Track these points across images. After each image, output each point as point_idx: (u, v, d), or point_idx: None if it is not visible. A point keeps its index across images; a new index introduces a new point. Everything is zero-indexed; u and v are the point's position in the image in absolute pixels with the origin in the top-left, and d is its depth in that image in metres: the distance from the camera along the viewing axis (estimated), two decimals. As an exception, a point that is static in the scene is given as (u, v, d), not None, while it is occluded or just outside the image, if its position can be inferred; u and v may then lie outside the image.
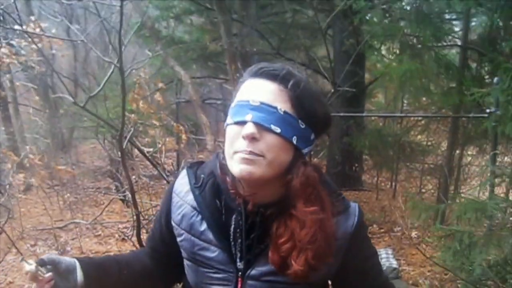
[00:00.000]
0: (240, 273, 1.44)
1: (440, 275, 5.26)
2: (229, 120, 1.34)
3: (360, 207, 1.48)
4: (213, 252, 1.46)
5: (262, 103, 1.27)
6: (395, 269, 5.40)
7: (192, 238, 1.50)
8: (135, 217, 4.36)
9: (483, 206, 3.46)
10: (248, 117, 1.26)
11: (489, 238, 3.59)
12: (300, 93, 1.29)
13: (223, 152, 1.40)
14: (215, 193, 1.47)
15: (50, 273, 1.42)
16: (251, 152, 1.25)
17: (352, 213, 1.45)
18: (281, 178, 1.33)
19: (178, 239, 1.56)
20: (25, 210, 7.95)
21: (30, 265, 1.37)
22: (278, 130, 1.26)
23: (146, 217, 5.67)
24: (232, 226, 1.43)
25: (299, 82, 1.31)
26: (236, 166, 1.29)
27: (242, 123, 1.27)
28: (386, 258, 5.70)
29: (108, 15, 6.35)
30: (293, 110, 1.29)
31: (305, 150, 1.35)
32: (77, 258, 1.52)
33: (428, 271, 5.48)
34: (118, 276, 1.60)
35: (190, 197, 1.51)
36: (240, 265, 1.44)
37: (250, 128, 1.25)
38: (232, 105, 1.35)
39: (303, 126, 1.31)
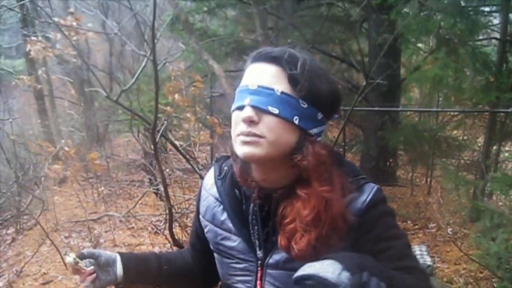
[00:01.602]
0: (259, 262, 1.44)
1: (475, 273, 5.18)
2: (232, 106, 1.36)
3: (380, 189, 1.43)
4: (234, 242, 1.49)
5: (259, 86, 1.28)
6: (429, 266, 5.29)
7: (215, 228, 1.53)
8: (167, 210, 4.36)
9: None
10: (246, 101, 1.28)
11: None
12: (299, 73, 1.29)
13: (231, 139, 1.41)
14: (235, 183, 1.48)
15: (92, 267, 1.50)
16: (250, 133, 1.27)
17: (367, 191, 1.40)
18: (289, 160, 1.33)
19: (205, 230, 1.60)
20: (59, 202, 8.03)
21: (69, 258, 1.45)
22: (276, 111, 1.26)
23: (179, 210, 5.69)
24: (250, 214, 1.44)
25: (297, 62, 1.30)
26: (239, 149, 1.30)
27: (242, 107, 1.29)
28: (420, 255, 5.60)
29: (142, 8, 6.36)
30: (292, 90, 1.29)
31: (314, 130, 1.34)
32: (118, 252, 1.58)
33: (463, 269, 5.39)
34: (158, 271, 1.64)
35: (214, 189, 1.55)
36: (259, 253, 1.45)
37: (247, 112, 1.27)
38: (236, 91, 1.37)
39: (305, 106, 1.30)
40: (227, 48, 8.98)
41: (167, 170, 7.92)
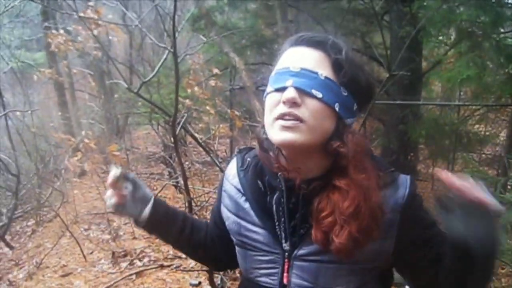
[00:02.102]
0: (286, 254, 1.42)
1: (496, 269, 5.13)
2: (268, 88, 1.32)
3: (413, 179, 1.41)
4: (258, 234, 1.46)
5: (302, 68, 1.25)
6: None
7: (238, 220, 1.51)
8: (187, 203, 4.36)
9: None
10: (289, 82, 1.24)
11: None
12: (342, 59, 1.26)
13: (263, 127, 1.38)
14: (258, 174, 1.47)
15: (127, 192, 1.50)
16: (291, 114, 1.23)
17: (403, 184, 1.38)
18: (325, 148, 1.30)
19: (227, 223, 1.58)
20: (79, 194, 8.07)
21: (116, 170, 1.46)
22: (320, 95, 1.23)
23: (198, 203, 5.69)
24: (274, 206, 1.42)
25: (340, 48, 1.28)
26: (277, 134, 1.26)
27: (282, 89, 1.25)
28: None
29: (162, 0, 6.35)
30: (335, 76, 1.26)
31: (348, 121, 1.32)
32: (155, 197, 1.58)
33: (484, 265, 5.35)
34: (179, 233, 1.65)
35: (236, 180, 1.53)
36: (286, 246, 1.42)
37: (291, 93, 1.23)
38: (272, 74, 1.33)
39: (345, 94, 1.28)
40: (248, 41, 8.97)
41: (187, 163, 7.93)
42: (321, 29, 7.82)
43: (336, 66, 1.27)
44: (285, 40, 1.40)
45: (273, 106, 1.29)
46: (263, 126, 1.37)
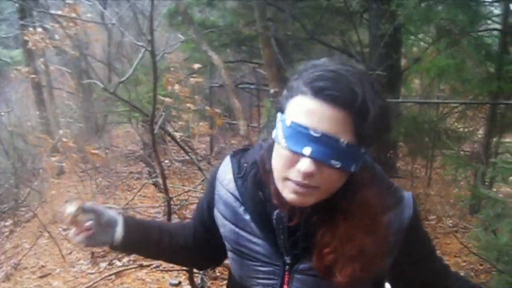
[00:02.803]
0: (287, 266, 1.40)
1: (475, 266, 5.18)
2: (281, 141, 1.20)
3: (414, 196, 1.40)
4: (259, 246, 1.43)
5: (323, 134, 1.13)
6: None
7: (236, 229, 1.47)
8: (166, 202, 4.34)
9: None
10: (307, 150, 1.14)
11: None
12: (369, 128, 1.15)
13: (267, 157, 1.33)
14: (258, 185, 1.41)
15: (90, 222, 1.43)
16: (305, 185, 1.17)
17: (407, 205, 1.37)
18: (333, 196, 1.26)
19: (222, 229, 1.53)
20: (58, 194, 8.01)
21: (71, 208, 1.39)
22: (338, 165, 1.16)
23: (178, 202, 5.67)
24: (274, 221, 1.38)
25: (368, 111, 1.14)
26: (288, 194, 1.22)
27: (300, 154, 1.16)
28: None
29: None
30: (356, 139, 1.16)
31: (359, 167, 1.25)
32: (123, 215, 1.53)
33: (464, 261, 5.40)
34: (158, 243, 1.60)
35: (232, 186, 1.47)
36: (287, 259, 1.39)
37: (309, 166, 1.15)
38: (287, 121, 1.19)
39: (363, 152, 1.20)
40: (226, 39, 8.96)
41: (166, 161, 7.90)
42: (300, 28, 7.84)
43: (360, 130, 1.15)
44: (300, 73, 1.23)
45: (286, 164, 1.20)
46: (268, 150, 1.31)
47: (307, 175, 1.15)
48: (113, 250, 1.56)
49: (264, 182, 1.39)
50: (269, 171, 1.31)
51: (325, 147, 1.13)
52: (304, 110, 1.16)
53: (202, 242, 1.66)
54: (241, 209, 1.45)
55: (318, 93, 1.14)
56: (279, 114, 1.24)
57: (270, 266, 1.43)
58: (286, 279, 1.41)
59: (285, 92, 1.26)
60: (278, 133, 1.22)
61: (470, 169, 5.80)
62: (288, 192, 1.21)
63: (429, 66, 6.13)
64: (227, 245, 1.54)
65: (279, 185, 1.24)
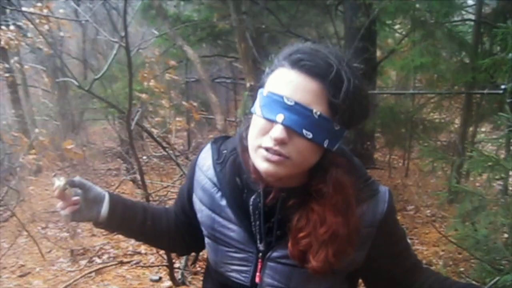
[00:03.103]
0: (260, 254, 1.41)
1: (454, 255, 5.21)
2: (257, 109, 1.24)
3: (391, 191, 1.41)
4: (233, 231, 1.44)
5: (297, 103, 1.16)
6: (408, 248, 5.34)
7: (213, 214, 1.48)
8: (144, 199, 4.32)
9: (497, 162, 3.36)
10: (280, 117, 1.17)
11: (497, 202, 3.56)
12: (341, 100, 1.17)
13: (246, 135, 1.33)
14: (236, 171, 1.43)
15: (77, 197, 1.44)
16: (277, 152, 1.19)
17: (382, 199, 1.38)
18: (307, 171, 1.28)
19: (198, 214, 1.54)
20: (36, 192, 7.96)
21: (59, 181, 1.38)
22: (310, 135, 1.18)
23: (156, 198, 5.66)
24: (251, 207, 1.39)
25: (341, 84, 1.17)
26: (259, 163, 1.23)
27: (272, 121, 1.19)
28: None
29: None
30: (330, 112, 1.18)
31: (337, 145, 1.27)
32: (109, 193, 1.54)
33: (442, 251, 5.44)
34: (141, 225, 1.61)
35: (211, 172, 1.48)
36: (260, 246, 1.40)
37: (280, 132, 1.17)
38: (263, 92, 1.24)
39: (337, 128, 1.22)
40: (202, 33, 8.95)
41: (144, 157, 7.87)
42: (275, 21, 7.84)
43: (333, 103, 1.18)
44: (282, 49, 1.29)
45: (259, 133, 1.23)
46: (247, 128, 1.32)
47: (278, 141, 1.17)
48: (97, 226, 1.56)
49: (242, 168, 1.41)
50: (247, 148, 1.32)
51: (298, 116, 1.16)
52: (280, 80, 1.21)
53: (182, 227, 1.67)
54: (218, 195, 1.46)
55: (295, 64, 1.19)
56: (259, 90, 1.28)
57: (243, 252, 1.44)
58: (259, 266, 1.42)
59: (266, 69, 1.30)
60: (255, 105, 1.26)
61: (447, 163, 5.86)
62: (260, 161, 1.23)
63: (403, 62, 6.16)
64: (204, 231, 1.55)
65: (253, 155, 1.26)
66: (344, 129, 1.25)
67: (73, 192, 1.45)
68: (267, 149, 1.20)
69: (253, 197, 1.39)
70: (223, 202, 1.45)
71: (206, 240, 1.56)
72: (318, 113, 1.17)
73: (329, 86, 1.16)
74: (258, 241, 1.41)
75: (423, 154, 5.19)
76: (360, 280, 1.56)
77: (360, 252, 1.36)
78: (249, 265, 1.44)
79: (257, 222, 1.39)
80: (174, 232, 1.68)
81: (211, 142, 1.57)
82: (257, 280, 1.43)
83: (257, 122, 1.24)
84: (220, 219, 1.46)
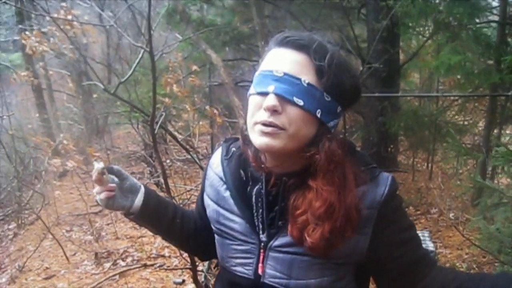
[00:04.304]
0: (262, 244, 1.43)
1: (478, 258, 5.17)
2: (251, 89, 1.32)
3: (394, 178, 1.41)
4: (236, 223, 1.48)
5: (285, 74, 1.24)
6: (432, 252, 5.29)
7: (217, 207, 1.53)
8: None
9: None
10: (270, 88, 1.24)
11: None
12: (326, 64, 1.25)
13: (245, 123, 1.38)
14: (241, 164, 1.48)
15: (114, 184, 1.49)
16: (272, 124, 1.24)
17: (383, 183, 1.38)
18: (304, 150, 1.30)
19: (207, 210, 1.60)
20: (60, 196, 8.03)
21: (98, 165, 1.42)
22: (301, 102, 1.23)
23: (180, 201, 5.68)
24: (254, 197, 1.43)
25: (325, 52, 1.26)
26: (257, 138, 1.28)
27: (264, 94, 1.25)
28: (423, 240, 5.56)
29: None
30: (318, 82, 1.25)
31: (331, 124, 1.32)
32: (145, 186, 1.59)
33: (466, 254, 5.39)
34: (171, 221, 1.65)
35: (219, 169, 1.55)
36: (262, 237, 1.43)
37: (271, 100, 1.23)
38: (256, 74, 1.33)
39: (328, 99, 1.27)
40: (225, 37, 8.95)
41: (168, 161, 7.91)
42: (298, 25, 7.84)
43: (320, 71, 1.25)
44: (270, 38, 1.38)
45: (255, 109, 1.29)
46: (246, 122, 1.37)
47: (271, 109, 1.23)
48: (127, 217, 1.59)
49: (247, 162, 1.45)
50: (247, 139, 1.38)
51: (288, 85, 1.23)
52: (269, 59, 1.31)
53: (201, 230, 1.70)
54: (223, 188, 1.52)
55: (281, 42, 1.30)
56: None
57: (246, 244, 1.47)
58: (261, 257, 1.44)
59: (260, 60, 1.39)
60: (250, 89, 1.33)
61: (470, 159, 5.82)
62: (257, 136, 1.28)
63: (437, 63, 6.12)
64: (212, 227, 1.59)
65: (251, 134, 1.31)
66: (336, 103, 1.31)
67: (110, 179, 1.49)
68: (262, 124, 1.25)
69: (256, 187, 1.43)
70: (227, 194, 1.50)
71: (215, 237, 1.59)
72: (307, 81, 1.24)
73: (314, 54, 1.25)
74: (261, 232, 1.44)
75: (447, 148, 5.15)
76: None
77: (362, 237, 1.36)
78: (252, 257, 1.46)
79: (260, 211, 1.43)
80: (199, 236, 1.71)
81: (223, 141, 1.63)
82: (259, 271, 1.45)
83: (251, 101, 1.31)
84: (224, 211, 1.51)
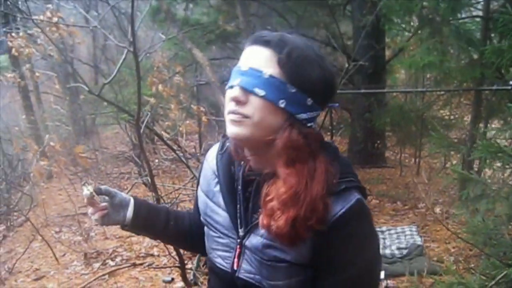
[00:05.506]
0: (239, 240, 1.47)
1: (465, 251, 5.21)
2: (226, 87, 1.38)
3: (359, 203, 1.33)
4: (221, 216, 1.53)
5: (250, 68, 1.31)
6: (419, 246, 5.36)
7: (207, 199, 1.59)
8: (155, 201, 4.36)
9: (502, 151, 3.36)
10: (236, 81, 1.31)
11: (499, 192, 3.57)
12: (289, 57, 1.29)
13: None
14: (232, 160, 1.51)
15: (105, 204, 1.60)
16: (236, 112, 1.30)
17: (346, 200, 1.32)
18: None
19: (198, 201, 1.67)
20: (49, 197, 8.02)
21: (87, 190, 1.52)
22: (262, 93, 1.28)
23: (168, 200, 5.69)
24: (238, 192, 1.47)
25: (289, 46, 1.30)
26: (228, 127, 1.34)
27: (232, 87, 1.33)
28: (411, 235, 5.67)
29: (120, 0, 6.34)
30: (282, 74, 1.29)
31: (303, 115, 1.33)
32: (134, 197, 1.68)
33: (453, 248, 5.44)
34: (164, 226, 1.73)
35: (214, 162, 1.60)
36: (241, 232, 1.46)
37: (235, 92, 1.30)
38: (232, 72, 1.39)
39: (293, 90, 1.30)
40: (210, 36, 8.97)
41: (156, 160, 7.93)
42: (283, 22, 7.86)
43: (281, 64, 1.29)
44: (246, 38, 1.44)
45: (227, 102, 1.35)
46: None
47: (235, 99, 1.30)
48: (124, 229, 1.68)
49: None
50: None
51: (251, 77, 1.30)
52: (242, 56, 1.37)
53: (197, 227, 1.73)
54: (214, 181, 1.57)
55: (252, 40, 1.36)
56: None
57: (226, 238, 1.51)
58: (237, 252, 1.47)
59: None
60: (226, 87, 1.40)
61: (456, 151, 5.86)
62: (228, 125, 1.34)
63: (411, 61, 6.16)
64: (201, 217, 1.65)
65: (226, 126, 1.36)
66: (304, 95, 1.33)
67: (101, 199, 1.59)
68: (231, 113, 1.32)
69: (240, 182, 1.47)
70: (217, 188, 1.55)
71: (204, 228, 1.65)
72: (268, 73, 1.29)
73: (275, 48, 1.30)
74: (239, 227, 1.47)
75: (433, 141, 5.19)
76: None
77: (308, 241, 1.31)
78: (231, 251, 1.50)
79: (238, 207, 1.47)
80: (196, 232, 1.75)
81: (221, 136, 1.65)
82: (234, 266, 1.48)
83: (226, 95, 1.37)
84: (211, 204, 1.57)
